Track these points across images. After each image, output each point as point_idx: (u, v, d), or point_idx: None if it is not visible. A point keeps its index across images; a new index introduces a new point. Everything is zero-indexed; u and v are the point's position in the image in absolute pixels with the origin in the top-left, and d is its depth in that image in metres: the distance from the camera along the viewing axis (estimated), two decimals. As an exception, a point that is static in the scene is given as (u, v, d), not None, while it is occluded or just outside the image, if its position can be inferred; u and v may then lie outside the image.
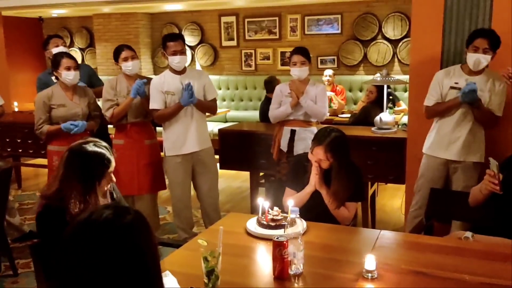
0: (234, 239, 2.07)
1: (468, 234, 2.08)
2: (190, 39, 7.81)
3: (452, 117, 2.97)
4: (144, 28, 7.91)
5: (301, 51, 3.47)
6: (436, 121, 3.09)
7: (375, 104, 4.87)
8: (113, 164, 1.99)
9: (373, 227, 4.06)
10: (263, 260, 1.90)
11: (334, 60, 7.08)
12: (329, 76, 6.04)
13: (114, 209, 1.11)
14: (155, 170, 3.64)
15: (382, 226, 4.10)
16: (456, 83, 2.91)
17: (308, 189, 2.39)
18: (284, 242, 1.67)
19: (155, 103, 3.37)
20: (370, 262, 1.66)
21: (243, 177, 5.62)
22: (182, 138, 3.45)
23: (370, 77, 6.05)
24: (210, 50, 7.78)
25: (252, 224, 2.16)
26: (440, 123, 3.04)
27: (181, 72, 3.44)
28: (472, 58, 2.82)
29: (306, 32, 7.16)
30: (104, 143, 2.01)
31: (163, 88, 3.37)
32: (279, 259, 1.68)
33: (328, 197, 2.37)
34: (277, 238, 1.69)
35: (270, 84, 5.14)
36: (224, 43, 7.72)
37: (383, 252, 1.86)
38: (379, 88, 4.90)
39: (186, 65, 3.52)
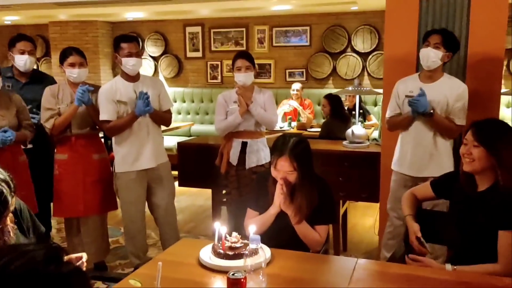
0: (184, 272, 1.72)
1: (448, 267, 1.82)
2: (153, 50, 7.46)
3: (411, 130, 2.78)
4: (104, 37, 7.49)
5: (245, 55, 3.24)
6: (400, 133, 2.87)
7: (333, 117, 4.69)
8: (11, 207, 1.47)
9: (345, 248, 3.78)
10: (217, 300, 1.56)
11: (302, 73, 6.88)
12: (297, 90, 5.82)
13: (46, 250, 0.78)
14: (104, 188, 3.25)
15: (354, 247, 3.84)
16: (411, 91, 2.73)
17: (272, 211, 2.07)
18: (242, 280, 1.34)
19: (105, 114, 3.01)
20: (347, 303, 1.35)
21: (206, 194, 5.26)
22: (136, 153, 3.09)
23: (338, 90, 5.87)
24: (174, 61, 7.44)
25: (206, 254, 1.82)
26: (402, 137, 2.85)
27: (134, 79, 3.10)
28: (422, 53, 2.69)
29: (274, 44, 6.94)
30: (2, 174, 1.47)
31: (114, 96, 3.02)
32: (236, 301, 1.34)
33: (296, 219, 2.06)
34: (233, 274, 1.36)
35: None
36: (189, 54, 7.40)
37: (361, 288, 1.55)
38: (331, 100, 4.75)
39: (145, 72, 3.18)
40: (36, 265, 0.75)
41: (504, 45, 2.90)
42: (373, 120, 5.69)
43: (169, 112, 3.25)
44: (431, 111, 2.62)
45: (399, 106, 2.81)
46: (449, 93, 2.66)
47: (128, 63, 3.00)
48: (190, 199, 5.29)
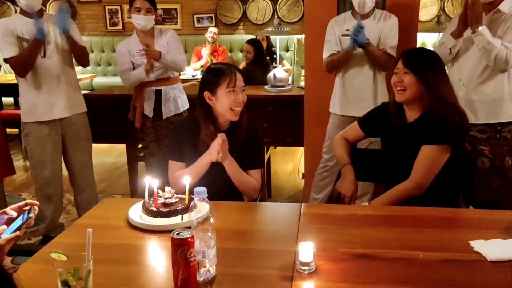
0: (112, 236, 1.49)
1: (365, 204, 1.86)
2: (40, -8, 6.56)
3: (352, 69, 2.75)
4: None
5: None
6: (338, 75, 2.82)
7: (255, 63, 4.53)
8: None
9: (269, 194, 3.75)
10: (157, 265, 1.37)
11: (211, 18, 6.54)
12: (214, 33, 5.49)
13: None
14: (-1, 150, 2.80)
15: (277, 193, 3.82)
16: (347, 30, 2.69)
17: (207, 159, 1.87)
18: (189, 239, 1.16)
19: (7, 50, 2.63)
20: (305, 251, 1.24)
21: (117, 151, 4.90)
22: (48, 100, 2.72)
23: (250, 37, 5.68)
24: (65, 6, 6.61)
25: (136, 212, 1.60)
26: (343, 78, 2.80)
27: (36, 15, 2.67)
28: (356, 0, 2.63)
29: (180, -14, 6.48)
30: None
31: (14, 32, 2.63)
32: (183, 264, 1.16)
33: (233, 167, 1.88)
34: (178, 233, 1.17)
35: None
36: (83, -2, 6.65)
37: (313, 234, 1.46)
38: (256, 47, 4.60)
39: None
40: None
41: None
42: (287, 65, 5.62)
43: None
44: (367, 41, 2.60)
45: (337, 45, 2.75)
46: (382, 25, 2.67)
47: None
48: (99, 157, 4.88)
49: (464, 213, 1.74)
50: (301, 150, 4.14)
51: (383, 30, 2.68)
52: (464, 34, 2.35)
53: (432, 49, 2.62)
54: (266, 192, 3.69)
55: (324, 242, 1.39)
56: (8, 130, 5.21)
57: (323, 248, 1.34)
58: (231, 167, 1.86)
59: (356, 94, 2.75)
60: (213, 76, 1.86)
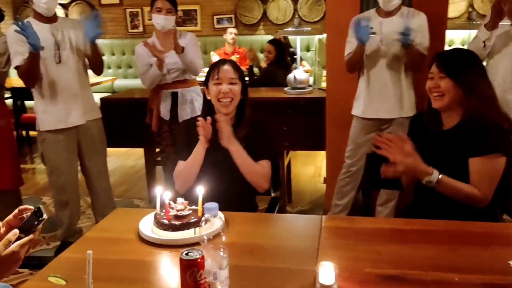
0: (121, 251, 1.41)
1: (436, 173, 1.64)
2: (62, -4, 6.62)
3: (376, 69, 2.61)
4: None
5: None
6: (361, 76, 2.69)
7: (277, 64, 4.41)
8: None
9: (290, 200, 3.63)
10: (167, 283, 1.28)
11: (231, 18, 6.46)
12: (234, 34, 5.41)
13: None
14: (8, 160, 2.81)
15: (298, 198, 3.70)
16: (371, 28, 2.55)
17: (198, 145, 1.85)
18: (198, 260, 1.06)
19: (18, 59, 2.53)
20: (326, 273, 1.13)
21: (137, 154, 4.86)
22: (63, 108, 2.67)
23: (270, 37, 5.57)
24: (87, 9, 6.66)
25: (147, 226, 1.51)
26: (367, 79, 2.66)
27: (50, 20, 2.62)
28: None
29: (199, -13, 6.42)
30: None
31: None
32: (192, 287, 1.07)
33: (240, 154, 1.84)
34: (187, 253, 1.08)
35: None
36: (104, 1, 6.68)
37: (335, 251, 1.34)
38: (278, 46, 4.47)
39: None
40: None
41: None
42: (307, 66, 5.49)
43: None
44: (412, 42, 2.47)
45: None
46: (411, 24, 2.52)
47: (40, 1, 2.52)
48: (119, 160, 4.87)
49: (505, 228, 1.59)
50: (322, 152, 4.01)
51: (412, 29, 2.53)
52: (499, 28, 2.20)
53: (462, 47, 2.47)
54: (287, 197, 3.57)
55: (347, 261, 1.27)
56: (31, 133, 5.27)
57: (346, 268, 1.23)
58: (238, 154, 1.84)
59: (380, 95, 2.62)
60: (208, 71, 1.96)
